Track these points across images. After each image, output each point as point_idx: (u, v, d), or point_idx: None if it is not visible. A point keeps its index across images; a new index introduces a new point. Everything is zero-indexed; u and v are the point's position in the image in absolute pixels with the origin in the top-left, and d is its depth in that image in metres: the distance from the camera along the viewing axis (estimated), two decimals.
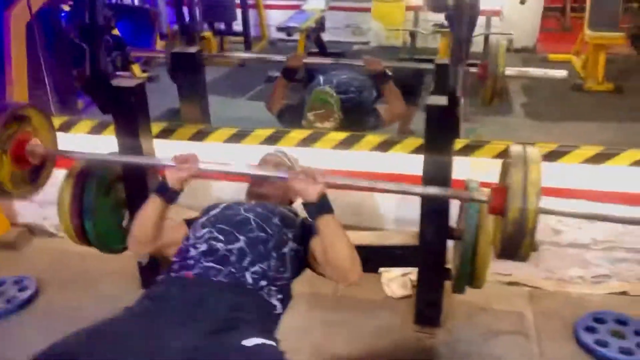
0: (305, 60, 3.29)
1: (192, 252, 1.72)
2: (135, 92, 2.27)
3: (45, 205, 2.91)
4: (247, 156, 2.62)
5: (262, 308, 1.60)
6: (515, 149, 1.69)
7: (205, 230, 1.78)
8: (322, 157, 2.57)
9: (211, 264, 1.66)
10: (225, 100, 4.53)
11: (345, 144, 2.56)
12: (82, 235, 2.40)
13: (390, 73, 3.17)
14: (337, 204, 2.61)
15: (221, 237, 1.74)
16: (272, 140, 2.60)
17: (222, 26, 6.09)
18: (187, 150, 2.66)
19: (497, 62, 2.92)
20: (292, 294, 1.82)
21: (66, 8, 4.41)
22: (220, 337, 1.43)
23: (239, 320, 1.49)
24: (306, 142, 2.56)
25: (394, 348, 2.30)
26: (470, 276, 2.13)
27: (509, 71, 3.01)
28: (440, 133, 2.03)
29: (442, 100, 1.97)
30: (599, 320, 2.34)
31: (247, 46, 6.12)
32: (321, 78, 3.26)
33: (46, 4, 3.07)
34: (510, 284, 2.64)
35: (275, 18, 6.54)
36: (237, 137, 2.62)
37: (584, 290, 2.57)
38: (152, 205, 1.79)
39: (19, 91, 3.05)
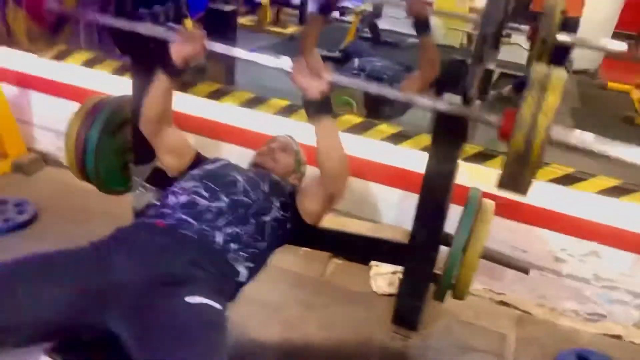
0: None
1: (172, 200, 1.70)
2: (156, 39, 2.26)
3: (62, 136, 2.95)
4: (261, 123, 2.61)
5: (222, 270, 1.57)
6: (540, 69, 1.51)
7: (193, 183, 1.76)
8: None
9: (185, 217, 1.63)
10: (261, 68, 4.51)
11: (359, 129, 2.50)
12: (82, 170, 2.44)
13: None
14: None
15: (205, 194, 1.71)
16: (287, 112, 2.57)
17: None
18: (203, 106, 2.67)
19: (551, 23, 2.71)
20: (265, 265, 1.78)
21: None
22: (167, 288, 1.42)
23: (192, 277, 1.47)
24: None
25: (364, 342, 2.25)
26: (453, 285, 2.07)
27: (561, 37, 2.78)
28: (448, 133, 1.94)
29: (453, 99, 1.89)
30: (582, 358, 2.23)
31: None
32: (356, 61, 3.20)
33: None
34: (501, 303, 2.54)
35: None
36: (254, 103, 2.60)
37: (575, 325, 2.45)
38: (157, 81, 1.81)
39: None
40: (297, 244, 2.18)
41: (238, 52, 1.89)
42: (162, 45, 2.24)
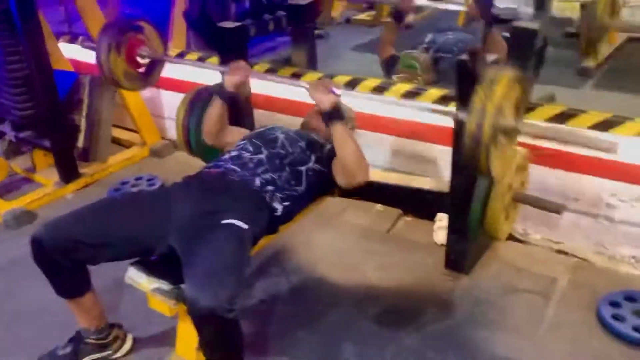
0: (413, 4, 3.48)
1: (226, 155, 2.18)
2: (235, 33, 2.76)
3: None
4: None
5: (257, 205, 1.98)
6: (490, 71, 1.77)
7: (243, 142, 2.22)
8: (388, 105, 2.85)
9: (232, 167, 2.09)
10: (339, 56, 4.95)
11: (410, 96, 2.78)
12: (188, 146, 3.02)
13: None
14: (405, 151, 2.89)
15: (250, 149, 2.16)
16: (351, 85, 2.92)
17: None
18: (283, 88, 3.11)
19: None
20: (302, 206, 2.18)
21: None
22: (209, 215, 1.86)
23: (230, 207, 1.89)
24: (376, 90, 2.84)
25: (416, 283, 2.51)
26: (481, 224, 2.27)
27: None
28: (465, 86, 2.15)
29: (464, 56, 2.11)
30: (630, 298, 2.27)
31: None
32: (429, 36, 3.45)
33: None
34: (560, 252, 2.63)
35: None
36: None
37: (635, 271, 2.47)
38: (213, 103, 2.30)
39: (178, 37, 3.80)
40: (343, 196, 2.51)
41: (271, 77, 2.30)
42: (241, 39, 2.79)
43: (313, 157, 2.18)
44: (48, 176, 3.39)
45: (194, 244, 1.76)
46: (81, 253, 1.85)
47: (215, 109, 2.30)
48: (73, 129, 3.40)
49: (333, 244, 2.78)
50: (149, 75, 2.71)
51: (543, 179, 2.52)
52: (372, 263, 2.64)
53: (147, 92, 3.79)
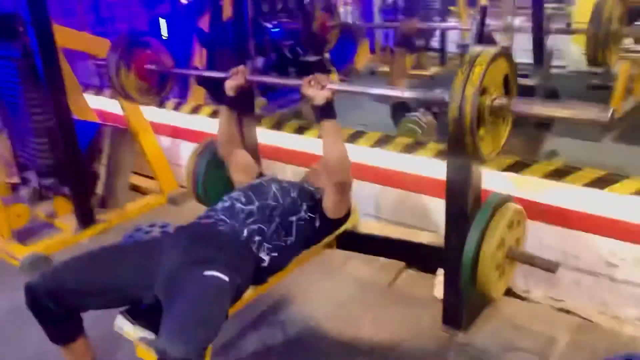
0: (419, 26, 3.53)
1: (219, 205, 2.25)
2: (243, 89, 2.87)
3: None
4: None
5: (243, 256, 2.02)
6: (473, 49, 1.78)
7: (237, 193, 2.29)
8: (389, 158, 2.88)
9: (223, 217, 2.15)
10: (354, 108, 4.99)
11: (410, 149, 2.82)
12: (197, 195, 3.11)
13: None
14: (405, 205, 2.91)
15: (243, 200, 2.22)
16: (352, 138, 2.98)
17: (420, 42, 6.44)
18: (289, 140, 3.22)
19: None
20: (291, 257, 2.21)
21: None
22: (193, 266, 1.90)
23: (215, 258, 1.94)
24: (379, 143, 2.89)
25: (410, 338, 2.47)
26: (473, 284, 2.24)
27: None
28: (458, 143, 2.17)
29: None
30: None
31: (442, 62, 6.37)
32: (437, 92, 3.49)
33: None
34: (562, 310, 2.56)
35: None
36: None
37: (638, 333, 2.38)
38: (221, 112, 2.48)
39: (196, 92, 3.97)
40: (340, 247, 2.54)
41: (270, 79, 2.40)
42: (248, 95, 2.90)
43: (304, 207, 2.23)
44: (68, 222, 3.52)
45: (173, 294, 1.81)
46: (71, 300, 1.92)
47: (222, 115, 2.48)
48: (93, 177, 3.55)
49: (332, 295, 2.79)
50: (161, 88, 2.83)
51: (541, 235, 2.49)
52: (369, 316, 2.62)
53: (166, 142, 3.95)
